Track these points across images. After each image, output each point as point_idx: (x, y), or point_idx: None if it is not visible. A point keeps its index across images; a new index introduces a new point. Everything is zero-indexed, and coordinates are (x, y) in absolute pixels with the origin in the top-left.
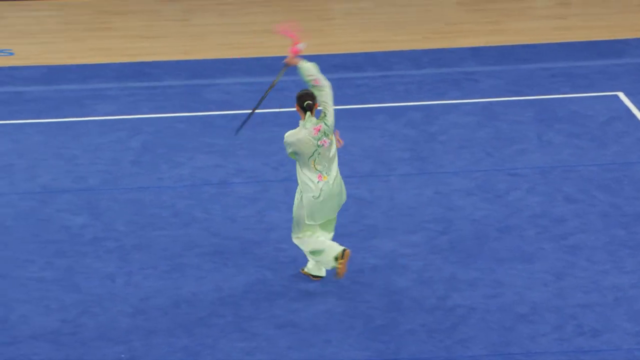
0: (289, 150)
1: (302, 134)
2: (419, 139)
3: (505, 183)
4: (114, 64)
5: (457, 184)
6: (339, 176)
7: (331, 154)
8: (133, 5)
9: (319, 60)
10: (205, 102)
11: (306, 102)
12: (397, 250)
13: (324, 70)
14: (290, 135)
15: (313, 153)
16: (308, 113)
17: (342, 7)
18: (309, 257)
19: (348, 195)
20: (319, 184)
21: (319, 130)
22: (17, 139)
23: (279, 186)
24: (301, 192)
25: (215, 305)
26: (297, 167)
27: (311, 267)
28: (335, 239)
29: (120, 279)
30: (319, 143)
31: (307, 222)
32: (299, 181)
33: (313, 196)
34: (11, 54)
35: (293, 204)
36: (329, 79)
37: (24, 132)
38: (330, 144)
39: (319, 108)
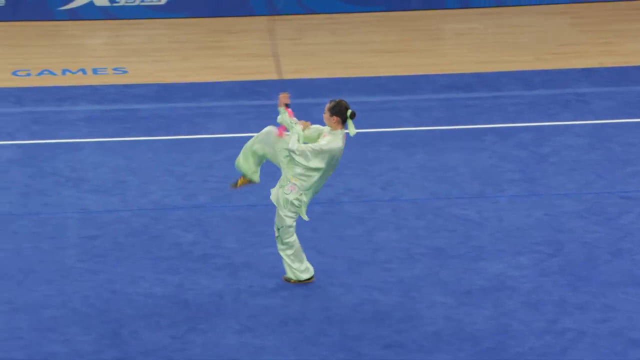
0: (321, 158)
1: (339, 143)
2: (529, 161)
3: (617, 206)
4: (226, 82)
5: (567, 206)
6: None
7: None
8: (245, 24)
9: (429, 80)
10: (314, 121)
11: (350, 110)
12: (505, 272)
13: (434, 90)
14: (332, 144)
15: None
16: (349, 121)
17: (453, 27)
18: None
19: (456, 216)
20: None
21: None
22: (129, 156)
23: (387, 206)
24: (290, 194)
25: (323, 324)
26: (297, 168)
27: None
28: (444, 259)
29: (228, 296)
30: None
31: (292, 223)
32: (295, 181)
33: (298, 199)
34: (125, 72)
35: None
36: (439, 100)
37: (136, 149)
38: None
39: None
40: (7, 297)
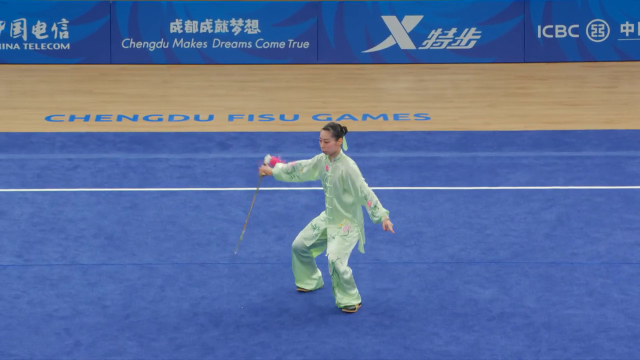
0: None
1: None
2: None
3: None
4: (531, 131)
5: None
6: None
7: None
8: (556, 71)
9: None
10: (627, 176)
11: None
12: None
13: None
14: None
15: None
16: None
17: None
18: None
19: None
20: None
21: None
22: (427, 206)
23: None
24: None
25: None
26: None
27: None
28: None
29: (528, 358)
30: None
31: None
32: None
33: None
34: (427, 118)
35: None
36: None
37: (434, 198)
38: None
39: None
40: (299, 348)
